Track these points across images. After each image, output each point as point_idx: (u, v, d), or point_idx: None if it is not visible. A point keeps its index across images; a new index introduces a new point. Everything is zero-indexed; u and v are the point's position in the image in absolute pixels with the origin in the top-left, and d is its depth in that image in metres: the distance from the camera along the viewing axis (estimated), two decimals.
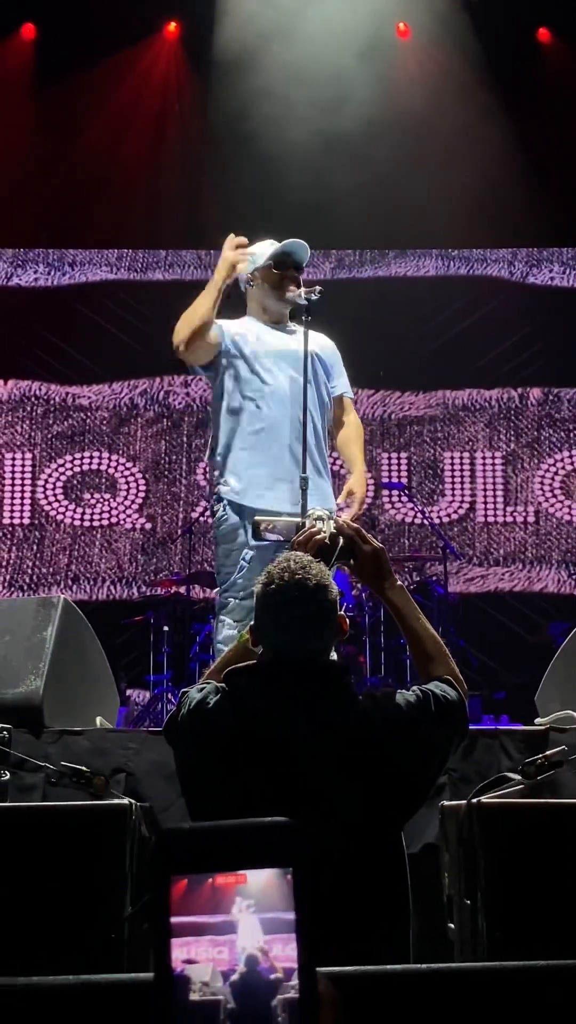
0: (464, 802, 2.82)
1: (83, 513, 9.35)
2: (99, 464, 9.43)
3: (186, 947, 1.04)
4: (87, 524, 9.34)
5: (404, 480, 9.31)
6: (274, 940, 1.04)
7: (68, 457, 9.43)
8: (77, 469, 9.42)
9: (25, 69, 9.21)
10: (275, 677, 2.34)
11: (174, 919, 1.03)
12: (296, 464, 4.09)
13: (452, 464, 9.42)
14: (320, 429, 4.35)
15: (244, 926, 1.05)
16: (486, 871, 2.67)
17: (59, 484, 9.38)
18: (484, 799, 2.79)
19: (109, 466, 9.43)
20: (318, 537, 2.57)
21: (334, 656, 2.73)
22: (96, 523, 9.34)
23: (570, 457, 9.40)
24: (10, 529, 9.31)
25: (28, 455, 9.41)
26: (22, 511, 9.33)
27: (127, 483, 9.41)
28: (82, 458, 9.44)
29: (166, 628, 7.79)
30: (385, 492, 9.31)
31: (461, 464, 9.42)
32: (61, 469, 9.40)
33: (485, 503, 9.35)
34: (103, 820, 2.85)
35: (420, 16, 8.82)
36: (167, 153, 9.39)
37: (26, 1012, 1.72)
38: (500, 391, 9.47)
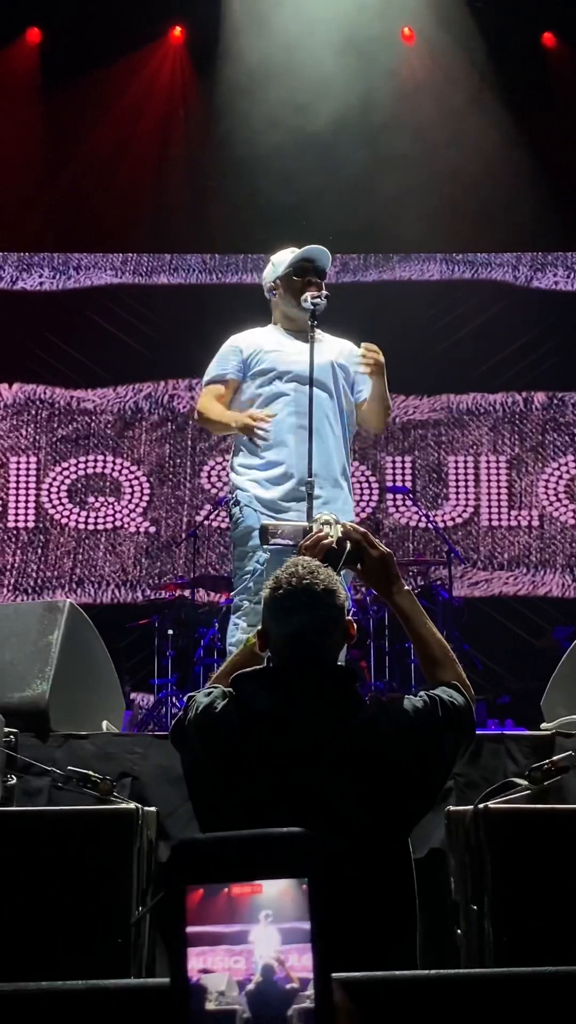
0: (470, 807, 2.81)
1: (87, 517, 9.35)
2: (103, 468, 9.44)
3: (202, 956, 1.04)
4: (92, 528, 9.34)
5: (408, 484, 9.31)
6: (290, 950, 1.04)
7: (72, 461, 9.43)
8: (81, 473, 9.42)
9: (30, 73, 9.21)
10: (283, 682, 2.34)
11: (190, 929, 1.03)
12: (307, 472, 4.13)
13: (456, 468, 9.42)
14: (339, 437, 4.38)
15: (260, 936, 1.05)
16: (492, 876, 2.67)
17: (64, 488, 9.39)
18: (490, 804, 2.79)
19: (113, 470, 9.44)
20: (325, 542, 2.57)
21: (342, 661, 2.73)
22: (100, 527, 9.34)
23: (574, 461, 9.39)
24: (15, 532, 9.31)
25: (33, 458, 9.42)
26: (27, 515, 9.33)
27: (131, 487, 9.41)
28: (86, 462, 9.44)
29: (171, 632, 7.79)
30: (389, 496, 9.31)
31: (465, 468, 9.42)
32: (66, 472, 9.41)
33: (489, 507, 9.35)
34: (109, 824, 2.85)
35: (425, 21, 8.83)
36: (172, 157, 9.40)
37: (34, 1017, 1.72)
38: (504, 395, 9.47)
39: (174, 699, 7.39)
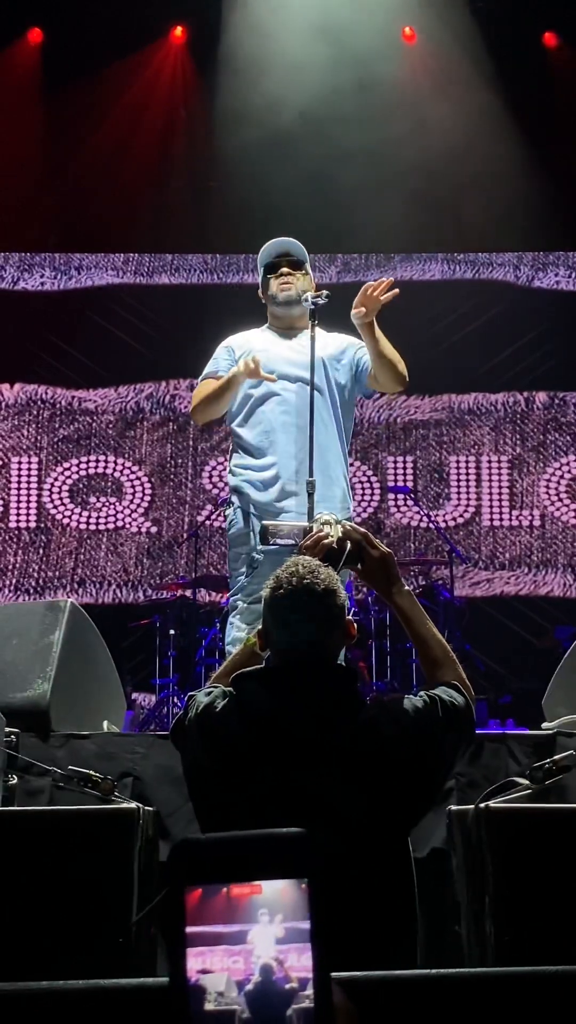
0: (472, 807, 2.81)
1: (89, 517, 9.35)
2: (105, 468, 9.44)
3: (201, 957, 1.04)
4: (93, 528, 9.34)
5: (410, 484, 9.31)
6: (289, 950, 1.04)
7: (74, 461, 9.43)
8: (83, 473, 9.43)
9: (32, 73, 9.21)
10: (283, 681, 2.34)
11: (189, 929, 1.03)
12: (304, 472, 4.11)
13: (458, 468, 9.42)
14: (332, 435, 4.36)
15: (259, 936, 1.04)
16: (494, 876, 2.67)
17: (65, 488, 9.39)
18: (492, 804, 2.79)
19: (115, 470, 9.44)
20: (326, 541, 2.57)
21: (342, 661, 2.73)
22: (102, 527, 9.34)
23: None
24: (16, 533, 9.32)
25: (34, 459, 9.42)
26: (28, 515, 9.34)
27: (133, 487, 9.41)
28: (88, 462, 9.44)
29: (172, 632, 7.79)
30: (391, 496, 9.31)
31: (467, 468, 9.42)
32: (67, 473, 9.41)
33: (491, 507, 9.34)
34: (110, 824, 2.85)
35: (426, 21, 8.82)
36: (173, 157, 9.40)
37: (34, 1016, 1.72)
38: (506, 395, 9.47)
39: (175, 699, 7.39)
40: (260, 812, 2.17)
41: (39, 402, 9.48)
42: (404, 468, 9.43)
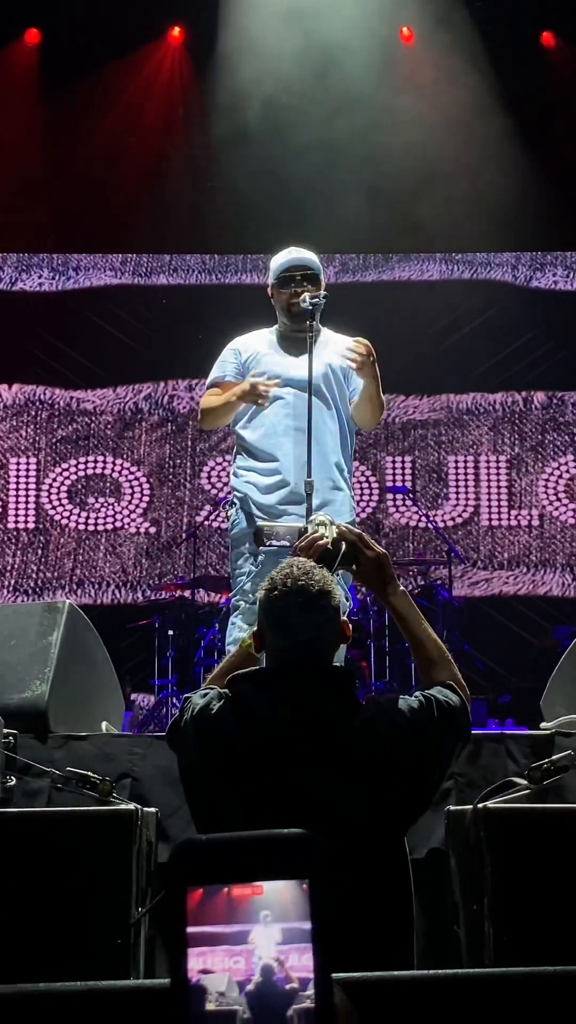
0: (470, 807, 2.82)
1: (88, 517, 9.35)
2: (103, 468, 9.44)
3: (202, 957, 1.04)
4: (92, 528, 9.34)
5: (408, 484, 9.31)
6: (290, 950, 1.05)
7: (72, 461, 9.43)
8: (81, 473, 9.43)
9: (30, 74, 9.21)
10: (278, 683, 2.34)
11: (190, 929, 1.04)
12: (303, 475, 4.15)
13: (456, 468, 9.42)
14: (336, 441, 4.40)
15: (260, 936, 1.05)
16: (492, 876, 2.67)
17: (64, 488, 9.39)
18: (490, 804, 2.79)
19: (113, 470, 9.44)
20: (321, 543, 2.57)
21: (338, 662, 2.73)
22: (101, 527, 9.34)
23: (574, 460, 9.40)
24: (15, 533, 9.31)
25: (33, 459, 9.42)
26: (27, 515, 9.33)
27: (131, 487, 9.41)
28: (86, 462, 9.44)
29: (171, 632, 7.79)
30: (389, 496, 9.31)
31: (465, 468, 9.42)
32: (66, 473, 9.41)
33: (489, 507, 9.35)
34: (109, 825, 2.85)
35: (424, 21, 8.82)
36: (171, 157, 9.39)
37: (33, 1018, 1.72)
38: (504, 395, 9.47)
39: (174, 700, 7.40)
40: (256, 813, 2.17)
41: (37, 403, 9.48)
42: (402, 468, 9.43)
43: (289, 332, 4.50)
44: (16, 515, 9.32)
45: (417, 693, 2.40)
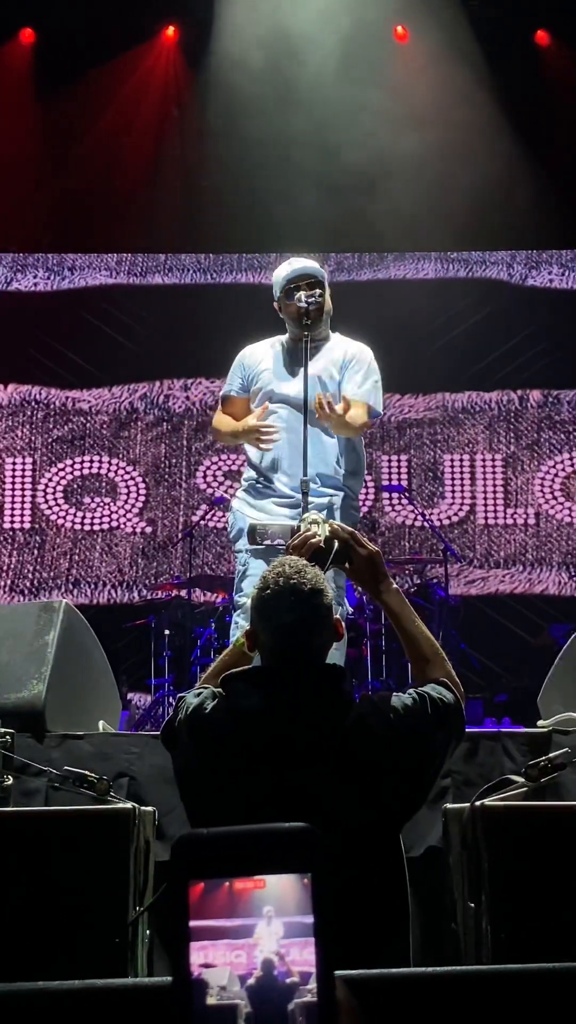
0: (467, 805, 2.82)
1: (84, 517, 9.35)
2: (99, 468, 9.43)
3: (203, 951, 1.05)
4: (88, 528, 9.33)
5: (404, 483, 9.31)
6: (291, 944, 1.05)
7: (68, 461, 9.43)
8: (77, 473, 9.42)
9: (24, 73, 9.20)
10: (272, 681, 2.34)
11: (192, 923, 1.04)
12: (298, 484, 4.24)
13: (452, 466, 9.42)
14: (332, 451, 4.46)
15: (261, 930, 1.05)
16: (490, 874, 2.67)
17: (59, 488, 9.38)
18: (487, 802, 2.79)
19: (109, 470, 9.43)
20: (313, 541, 2.57)
21: (336, 660, 2.73)
22: (97, 527, 9.34)
23: (570, 459, 9.40)
24: (11, 534, 9.31)
25: (28, 459, 9.41)
26: (23, 515, 9.33)
27: (127, 487, 9.41)
28: (82, 462, 9.44)
29: (167, 632, 7.79)
30: (385, 495, 9.31)
31: (461, 466, 9.43)
32: (61, 473, 9.41)
33: (485, 505, 9.35)
34: (106, 824, 2.85)
35: (418, 19, 8.83)
36: (166, 157, 9.39)
37: (30, 1017, 1.72)
38: (500, 393, 9.47)
39: (171, 699, 7.39)
40: (251, 812, 2.17)
41: (33, 403, 9.47)
42: (398, 467, 9.43)
43: (295, 340, 4.51)
44: (12, 515, 9.32)
45: (410, 690, 2.40)
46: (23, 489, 9.35)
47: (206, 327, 8.96)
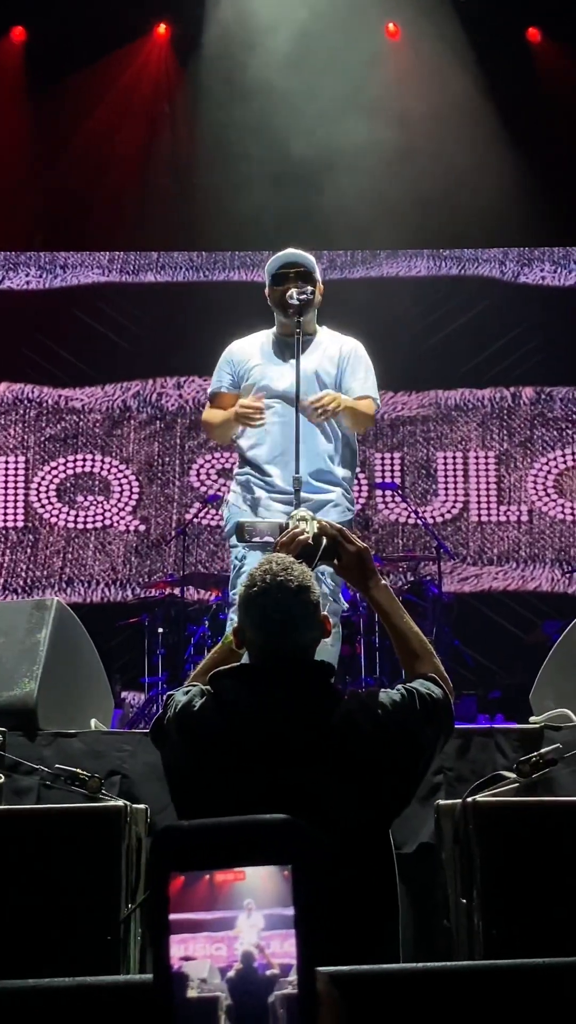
0: (459, 801, 2.82)
1: (77, 516, 9.34)
2: (92, 467, 9.43)
3: (184, 944, 1.04)
4: (81, 526, 9.33)
5: (397, 480, 9.31)
6: (272, 936, 1.05)
7: (61, 460, 9.42)
8: (70, 472, 9.41)
9: (15, 71, 9.19)
10: (260, 678, 2.34)
11: (172, 916, 1.03)
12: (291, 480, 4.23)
13: (445, 464, 9.43)
14: (327, 445, 4.46)
15: (242, 923, 1.05)
16: (482, 869, 2.67)
17: (52, 487, 9.37)
18: (479, 798, 2.79)
19: (102, 468, 9.43)
20: (301, 538, 2.57)
21: (330, 657, 2.72)
22: (90, 525, 9.33)
23: (563, 456, 9.41)
24: (4, 532, 9.30)
25: (21, 458, 9.41)
26: (15, 514, 9.32)
27: (120, 485, 9.40)
28: (75, 461, 9.43)
29: (161, 630, 7.78)
30: (378, 492, 9.31)
31: (454, 464, 9.43)
32: (54, 472, 9.40)
33: (478, 502, 9.36)
34: (98, 822, 2.85)
35: (410, 16, 8.83)
36: (158, 155, 9.38)
37: (23, 1015, 1.72)
38: (493, 390, 9.48)
39: (164, 697, 7.38)
40: (239, 809, 2.16)
41: (25, 401, 9.46)
42: (391, 464, 9.43)
43: (284, 335, 4.51)
44: (5, 513, 9.31)
45: (399, 686, 2.40)
46: (16, 487, 9.35)
47: (199, 325, 8.94)
